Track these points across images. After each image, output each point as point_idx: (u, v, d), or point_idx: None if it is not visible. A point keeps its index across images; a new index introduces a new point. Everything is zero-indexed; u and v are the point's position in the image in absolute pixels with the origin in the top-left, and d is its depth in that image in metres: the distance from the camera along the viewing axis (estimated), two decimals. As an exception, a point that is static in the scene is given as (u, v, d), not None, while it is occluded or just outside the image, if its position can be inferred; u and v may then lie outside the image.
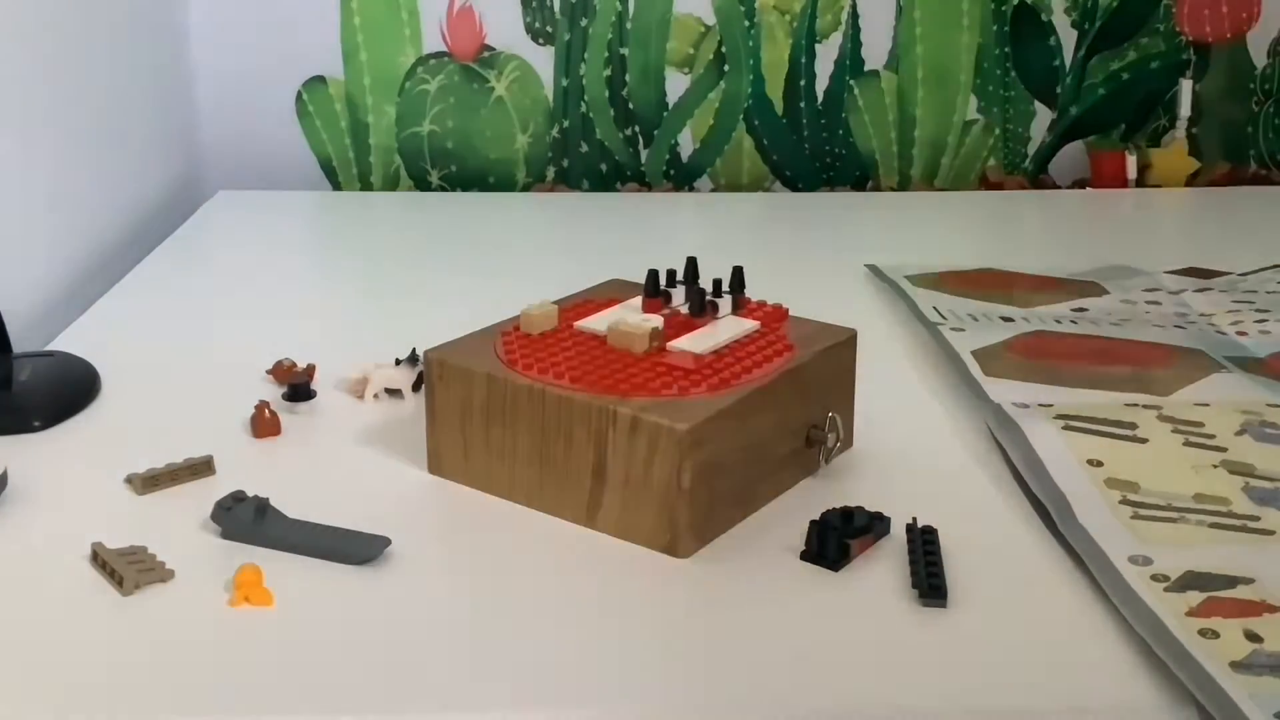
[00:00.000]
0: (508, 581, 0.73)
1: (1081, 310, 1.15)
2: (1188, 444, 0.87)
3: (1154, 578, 0.71)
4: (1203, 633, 0.65)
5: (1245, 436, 0.88)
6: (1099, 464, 0.84)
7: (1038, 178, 1.66)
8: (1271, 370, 1.01)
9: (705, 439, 0.75)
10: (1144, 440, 0.87)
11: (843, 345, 0.86)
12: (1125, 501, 0.79)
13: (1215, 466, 0.84)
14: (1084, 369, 1.00)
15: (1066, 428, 0.88)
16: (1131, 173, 1.60)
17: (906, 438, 0.90)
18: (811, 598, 0.71)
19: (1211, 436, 0.88)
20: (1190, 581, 0.70)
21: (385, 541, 0.75)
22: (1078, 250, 1.32)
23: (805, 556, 0.74)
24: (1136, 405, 0.92)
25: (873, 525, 0.76)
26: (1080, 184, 1.65)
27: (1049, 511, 0.79)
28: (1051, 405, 0.92)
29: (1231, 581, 0.70)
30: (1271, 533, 0.76)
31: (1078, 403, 0.93)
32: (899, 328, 1.11)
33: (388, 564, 0.74)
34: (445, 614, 0.70)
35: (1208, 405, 0.92)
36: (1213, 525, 0.77)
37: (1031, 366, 1.01)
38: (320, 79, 1.62)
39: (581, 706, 0.63)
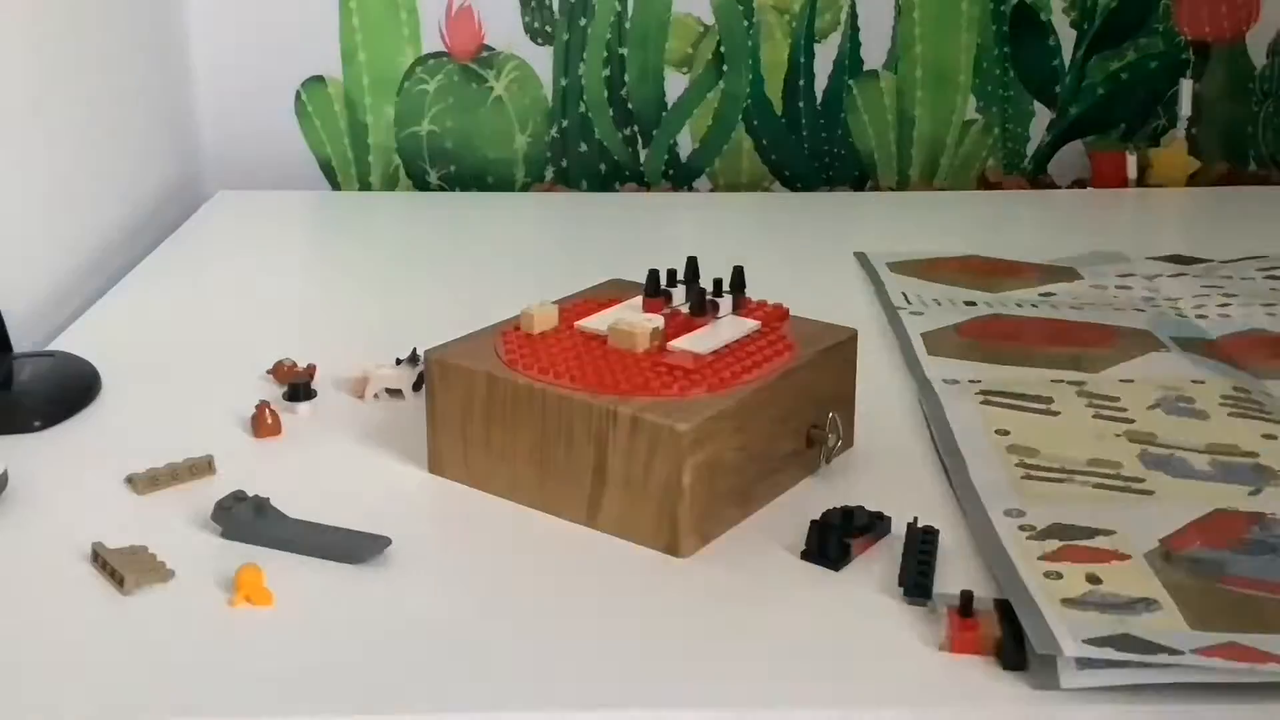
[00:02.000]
0: (508, 581, 0.73)
1: (1048, 295, 1.18)
2: (1097, 416, 0.91)
3: (1021, 528, 0.75)
4: (1048, 574, 0.70)
5: (1158, 410, 0.92)
6: (1005, 433, 0.88)
7: (1037, 178, 1.66)
8: (1218, 351, 1.04)
9: (705, 439, 0.75)
10: (1056, 413, 0.92)
11: (843, 345, 0.87)
12: (1021, 464, 0.84)
13: (1118, 436, 0.88)
14: (1025, 349, 1.04)
15: (985, 402, 0.93)
16: (1131, 173, 1.60)
17: (907, 437, 0.90)
18: (812, 598, 0.71)
19: (1124, 410, 0.92)
20: (1053, 531, 0.75)
21: (385, 541, 0.75)
22: (1077, 250, 1.32)
23: (806, 556, 0.74)
24: (1061, 382, 0.97)
25: (873, 525, 0.76)
26: (1080, 184, 1.65)
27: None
28: (979, 381, 0.97)
29: (1091, 533, 0.75)
30: (1151, 493, 0.80)
31: (1006, 379, 0.98)
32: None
33: (388, 564, 0.74)
34: (445, 614, 0.70)
35: (1131, 382, 0.96)
36: (1096, 485, 0.81)
37: (975, 347, 1.05)
38: (319, 79, 1.62)
39: (581, 707, 0.63)
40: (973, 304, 1.15)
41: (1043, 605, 0.67)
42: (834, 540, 0.74)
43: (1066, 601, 0.67)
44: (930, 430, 0.90)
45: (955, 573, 0.73)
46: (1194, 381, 0.96)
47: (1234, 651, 0.63)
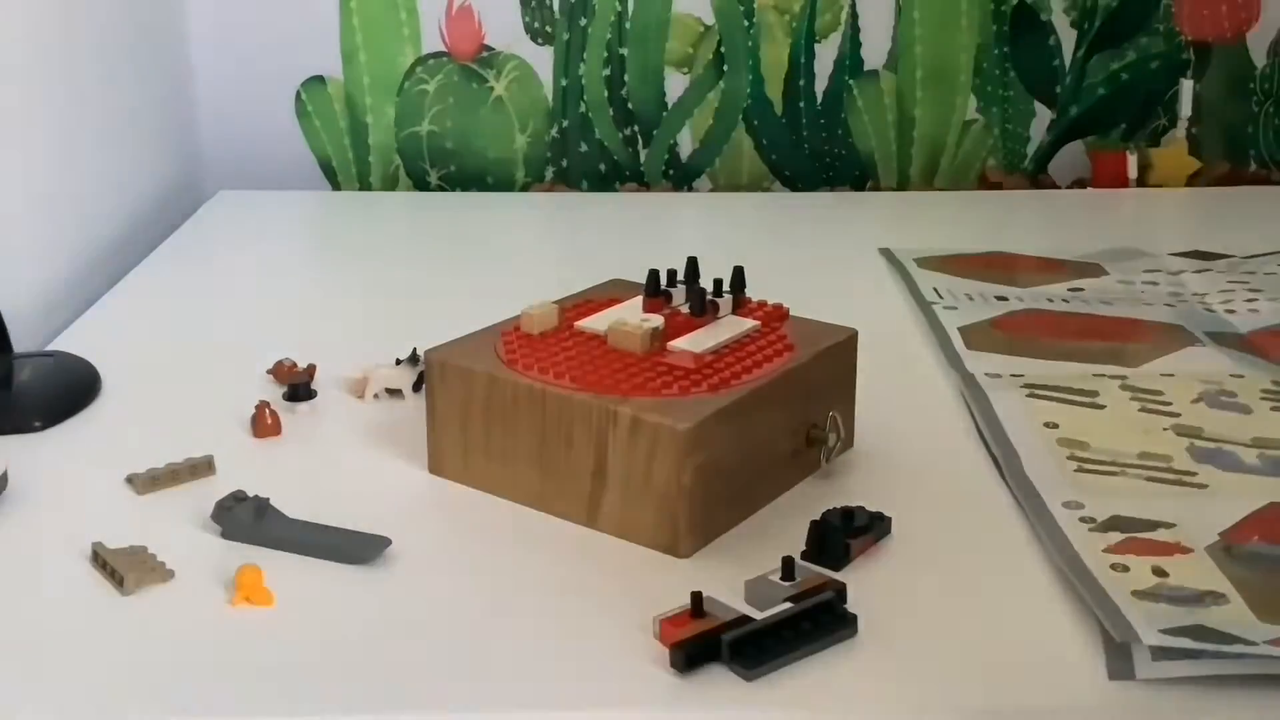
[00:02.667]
0: (508, 581, 0.73)
1: (1077, 290, 1.19)
2: (1143, 410, 0.92)
3: (1082, 519, 0.76)
4: (1114, 566, 0.71)
5: (1201, 404, 0.92)
6: (1055, 426, 0.89)
7: (1037, 178, 1.66)
8: (1250, 345, 1.05)
9: (705, 439, 0.75)
10: (1102, 406, 0.92)
11: (843, 345, 0.86)
12: (1073, 457, 0.84)
13: (1165, 429, 0.89)
14: (1062, 344, 1.05)
15: (1030, 395, 0.94)
16: (1132, 172, 1.60)
17: (908, 438, 0.90)
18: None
19: (1168, 404, 0.93)
20: (1114, 524, 0.76)
21: (385, 541, 0.75)
22: (1079, 250, 1.32)
23: (805, 557, 0.74)
24: (1103, 375, 0.98)
25: (873, 525, 0.76)
26: (1080, 184, 1.65)
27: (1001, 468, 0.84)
28: (1022, 375, 0.98)
29: (1153, 525, 0.75)
30: (1204, 486, 0.81)
31: (1048, 373, 0.98)
32: (901, 327, 1.11)
33: (388, 564, 0.74)
34: (445, 614, 0.70)
35: (1172, 376, 0.97)
36: (1149, 479, 0.82)
37: (1014, 341, 1.06)
38: (319, 79, 1.62)
39: (581, 707, 0.63)
40: (1004, 299, 1.16)
41: (1115, 596, 0.67)
42: (834, 541, 0.74)
43: (1137, 594, 0.68)
44: (976, 423, 0.91)
45: (961, 570, 0.73)
46: (1233, 375, 0.97)
47: None
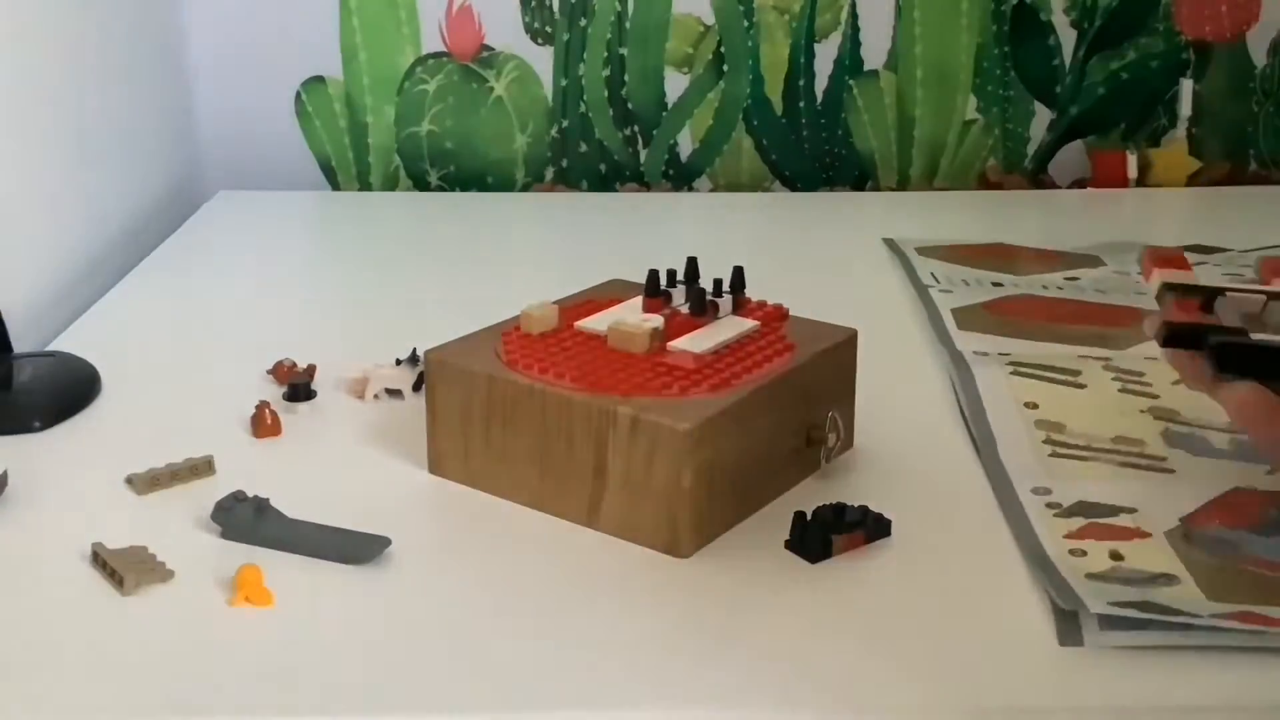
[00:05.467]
0: (508, 581, 0.73)
1: (1073, 279, 1.21)
2: (1123, 391, 0.94)
3: (1048, 505, 0.78)
4: (1073, 551, 0.72)
5: (1180, 386, 0.94)
6: (1034, 406, 0.91)
7: (1037, 177, 1.66)
8: None
9: (706, 439, 0.75)
10: (1083, 386, 0.94)
11: (843, 345, 0.86)
12: (1048, 440, 0.86)
13: (1143, 412, 0.91)
14: (1053, 327, 1.07)
15: (1014, 373, 0.96)
16: (1132, 172, 1.60)
17: (908, 436, 0.90)
18: (811, 597, 0.71)
19: (1149, 385, 0.94)
20: (1078, 509, 0.77)
21: (385, 541, 0.75)
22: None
23: (789, 547, 0.75)
24: (1088, 357, 1.00)
25: (865, 522, 0.76)
26: (1080, 184, 1.65)
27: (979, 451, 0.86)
28: (1008, 354, 1.00)
29: (1115, 510, 0.77)
30: (1172, 471, 0.83)
31: (1034, 353, 1.00)
32: (901, 323, 1.11)
33: (388, 564, 0.74)
34: (445, 614, 0.70)
35: (1155, 359, 0.98)
36: (1121, 464, 0.84)
37: (1004, 323, 1.08)
38: (319, 79, 1.62)
39: (581, 707, 0.63)
40: (1000, 285, 1.18)
41: (1069, 577, 0.69)
42: (813, 535, 0.74)
43: (1091, 576, 0.70)
44: (959, 402, 0.93)
45: (960, 571, 0.73)
46: None
47: (1249, 618, 0.65)
